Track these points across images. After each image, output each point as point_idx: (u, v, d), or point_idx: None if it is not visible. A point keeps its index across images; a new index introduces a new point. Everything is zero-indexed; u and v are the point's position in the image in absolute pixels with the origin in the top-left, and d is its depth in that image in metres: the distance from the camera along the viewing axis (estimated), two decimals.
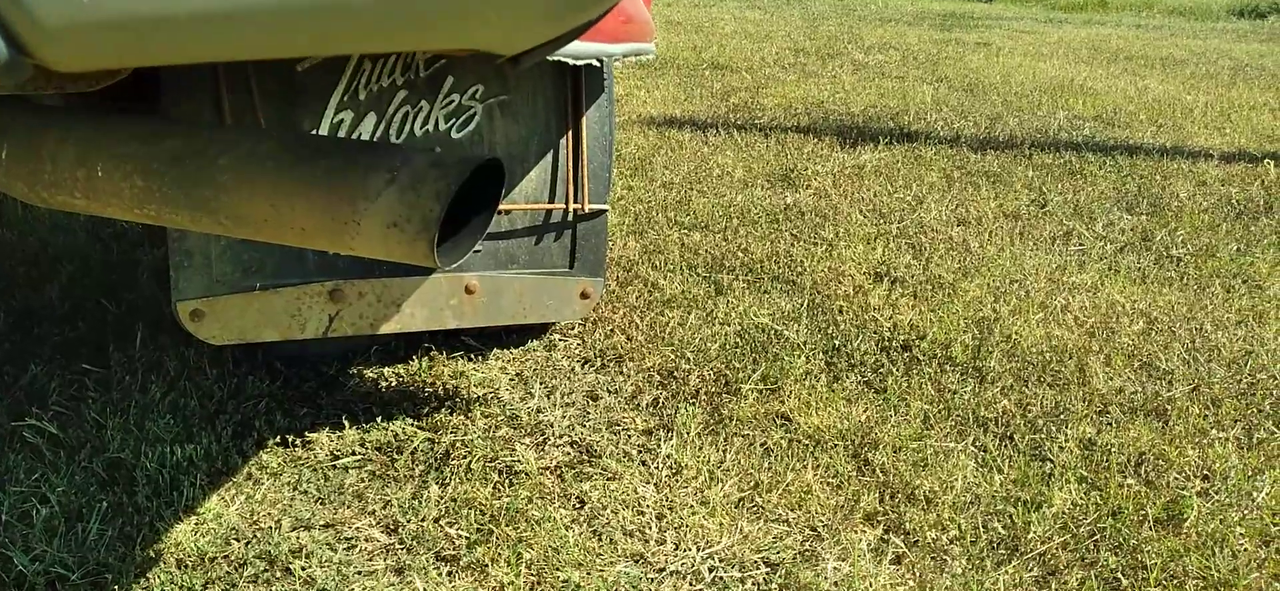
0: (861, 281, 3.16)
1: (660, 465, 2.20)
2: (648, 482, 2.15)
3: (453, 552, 1.92)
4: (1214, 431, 2.34)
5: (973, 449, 2.27)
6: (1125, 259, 3.41)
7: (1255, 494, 2.10)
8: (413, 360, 2.57)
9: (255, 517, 2.00)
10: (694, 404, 2.43)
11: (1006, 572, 1.88)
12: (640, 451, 2.25)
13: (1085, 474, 2.17)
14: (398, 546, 1.94)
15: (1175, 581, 1.84)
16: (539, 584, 1.84)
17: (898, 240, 3.55)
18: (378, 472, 2.15)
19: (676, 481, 2.15)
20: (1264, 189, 4.25)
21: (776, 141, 4.93)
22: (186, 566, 1.85)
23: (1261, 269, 3.33)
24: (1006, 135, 5.16)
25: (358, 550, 1.93)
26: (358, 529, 1.99)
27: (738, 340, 2.74)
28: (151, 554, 1.88)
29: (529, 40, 1.45)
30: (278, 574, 1.85)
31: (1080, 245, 3.55)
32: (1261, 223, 3.81)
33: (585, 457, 2.23)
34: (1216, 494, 2.11)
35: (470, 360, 2.60)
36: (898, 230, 3.65)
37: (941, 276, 3.20)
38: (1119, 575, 1.87)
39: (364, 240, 1.49)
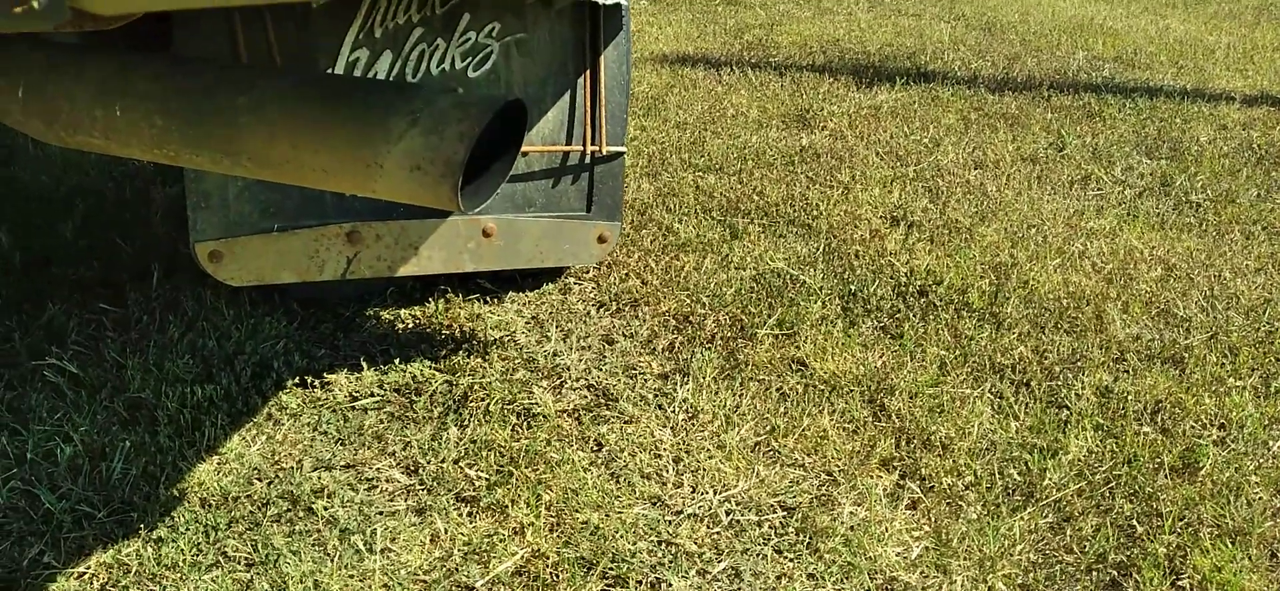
0: (878, 225, 3.14)
1: (677, 409, 2.21)
2: (664, 426, 2.16)
3: (473, 494, 1.94)
4: (1231, 380, 2.33)
5: (989, 395, 2.27)
6: (1144, 204, 3.38)
7: (1271, 443, 2.10)
8: (429, 302, 2.57)
9: (277, 458, 2.02)
10: (710, 349, 2.43)
11: (1022, 518, 1.89)
12: (657, 395, 2.26)
13: (1101, 421, 2.17)
14: (418, 487, 1.96)
15: (1190, 529, 1.86)
16: (559, 525, 1.86)
17: (914, 183, 3.52)
18: (397, 414, 2.17)
19: (693, 425, 2.16)
20: None
21: (791, 80, 4.87)
22: (210, 505, 1.88)
23: None
24: (1025, 76, 5.09)
25: (379, 490, 1.95)
26: (378, 470, 2.01)
27: (753, 285, 2.73)
28: (175, 493, 1.90)
29: None
30: (301, 513, 1.87)
31: (1099, 190, 3.52)
32: None
33: (602, 401, 2.24)
34: (1232, 443, 2.11)
35: (486, 303, 2.60)
36: (914, 173, 3.62)
37: (959, 221, 3.18)
38: (1134, 522, 1.88)
39: (387, 183, 1.48)
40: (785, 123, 4.24)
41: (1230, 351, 2.46)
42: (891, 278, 2.79)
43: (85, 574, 1.73)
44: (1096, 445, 2.10)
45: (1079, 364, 2.39)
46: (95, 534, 1.80)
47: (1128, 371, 2.37)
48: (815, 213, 3.22)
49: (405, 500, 1.93)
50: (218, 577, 1.72)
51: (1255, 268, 2.91)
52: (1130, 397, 2.25)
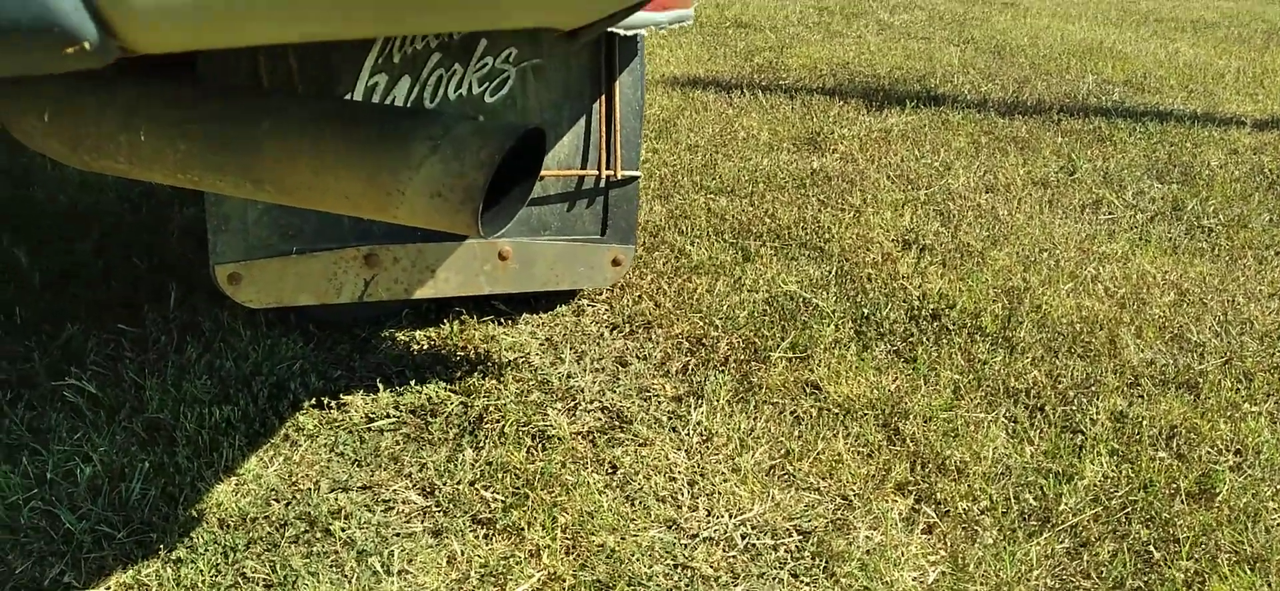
0: (890, 249, 3.15)
1: (691, 432, 2.21)
2: (679, 449, 2.16)
3: (489, 516, 1.95)
4: (1247, 405, 2.33)
5: (1004, 419, 2.28)
6: (1156, 228, 3.39)
7: None
8: (444, 324, 2.58)
9: (294, 479, 2.03)
10: (723, 371, 2.44)
11: (1038, 544, 1.89)
12: (671, 418, 2.27)
13: (1117, 446, 2.17)
14: (435, 509, 1.97)
15: (1208, 555, 1.85)
16: (574, 547, 1.87)
17: (926, 207, 3.53)
18: (412, 435, 2.18)
19: (707, 448, 2.16)
20: None
21: (802, 103, 4.90)
22: (228, 526, 1.89)
23: None
24: (1035, 99, 5.10)
25: (396, 512, 1.96)
26: (395, 491, 2.01)
27: (766, 307, 2.74)
28: (194, 513, 1.91)
29: (597, 12, 1.45)
30: (318, 535, 1.88)
31: (1110, 214, 3.52)
32: None
33: (617, 423, 2.25)
34: (1249, 468, 2.11)
35: (500, 324, 2.61)
36: (925, 197, 3.63)
37: (970, 244, 3.19)
38: (1151, 548, 1.88)
39: (407, 209, 1.50)
40: (796, 145, 4.25)
41: (1245, 377, 2.45)
42: (904, 301, 2.79)
43: None
44: (1112, 470, 2.09)
45: (1093, 389, 2.39)
46: (115, 554, 1.81)
47: (1142, 396, 2.37)
48: (827, 235, 3.23)
49: (422, 522, 1.94)
50: None
51: (1269, 293, 2.91)
52: (1145, 422, 2.25)
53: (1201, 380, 2.43)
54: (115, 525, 1.86)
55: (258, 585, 1.76)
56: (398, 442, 2.15)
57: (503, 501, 1.98)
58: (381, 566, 1.81)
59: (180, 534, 1.86)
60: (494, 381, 2.36)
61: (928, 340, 2.59)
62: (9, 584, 1.75)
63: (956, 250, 3.15)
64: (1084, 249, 3.20)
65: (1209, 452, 2.15)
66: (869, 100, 5.02)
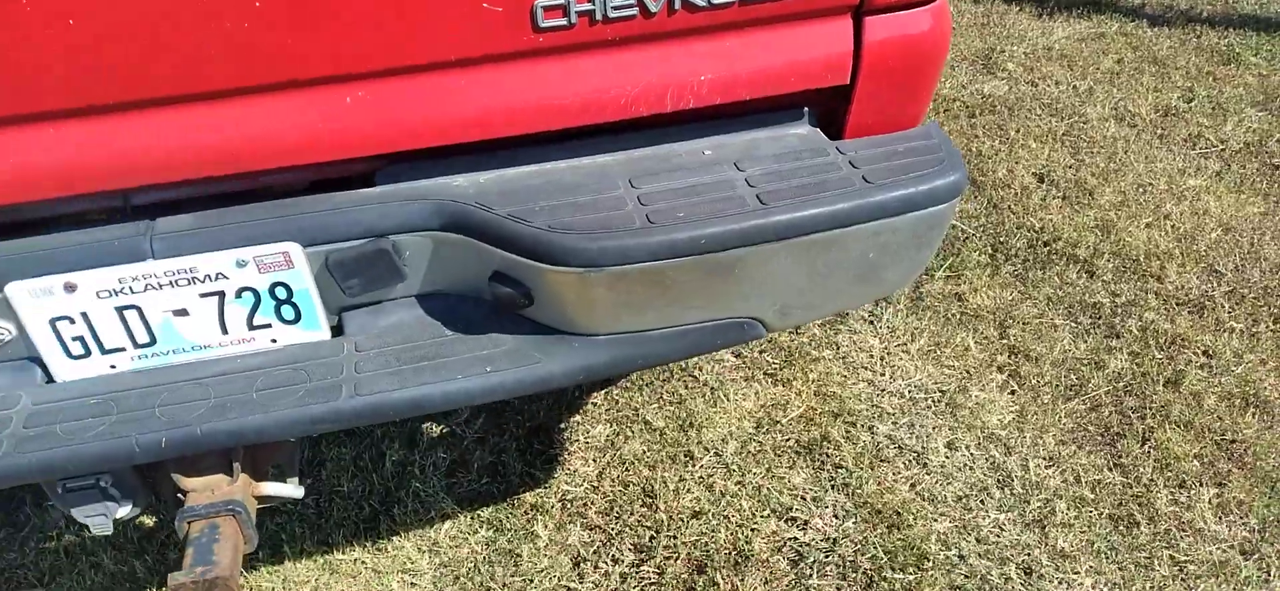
0: (1028, 182, 4.61)
1: (883, 326, 3.92)
2: (875, 336, 3.89)
3: (772, 371, 3.76)
4: (1230, 322, 3.80)
5: (1072, 325, 3.85)
6: (1234, 165, 4.65)
7: (1236, 368, 3.61)
8: None
9: None
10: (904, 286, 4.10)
11: (1068, 405, 3.53)
12: (870, 316, 3.98)
13: (1136, 350, 3.73)
14: (743, 364, 3.80)
15: (1160, 419, 3.45)
16: (819, 392, 3.67)
17: (1064, 139, 4.90)
18: None
19: (892, 336, 3.88)
20: None
21: (983, 11, 6.10)
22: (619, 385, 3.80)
23: None
24: (1187, 4, 6.06)
25: (723, 363, 3.81)
26: (718, 358, 3.86)
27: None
28: None
29: None
30: (682, 375, 3.76)
31: (1203, 149, 4.79)
32: None
33: (840, 318, 3.98)
34: (1214, 367, 3.63)
35: None
36: (1065, 128, 4.97)
37: (1087, 181, 4.59)
38: (1130, 411, 3.49)
39: None
40: (972, 62, 5.57)
41: (1239, 301, 3.89)
42: (1027, 231, 4.31)
43: None
44: (1125, 364, 3.67)
45: (1136, 307, 3.90)
46: None
47: (1166, 311, 3.87)
48: (984, 168, 4.70)
49: (738, 373, 3.78)
50: (644, 428, 3.64)
51: None
52: (1160, 333, 3.77)
53: (1208, 303, 3.89)
54: None
55: (659, 417, 3.66)
56: None
57: (778, 364, 3.79)
58: (723, 396, 3.68)
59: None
60: None
61: (1038, 267, 4.14)
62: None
63: (1075, 185, 4.57)
64: (1172, 184, 4.54)
65: (1190, 356, 3.68)
66: (1041, 4, 6.15)
